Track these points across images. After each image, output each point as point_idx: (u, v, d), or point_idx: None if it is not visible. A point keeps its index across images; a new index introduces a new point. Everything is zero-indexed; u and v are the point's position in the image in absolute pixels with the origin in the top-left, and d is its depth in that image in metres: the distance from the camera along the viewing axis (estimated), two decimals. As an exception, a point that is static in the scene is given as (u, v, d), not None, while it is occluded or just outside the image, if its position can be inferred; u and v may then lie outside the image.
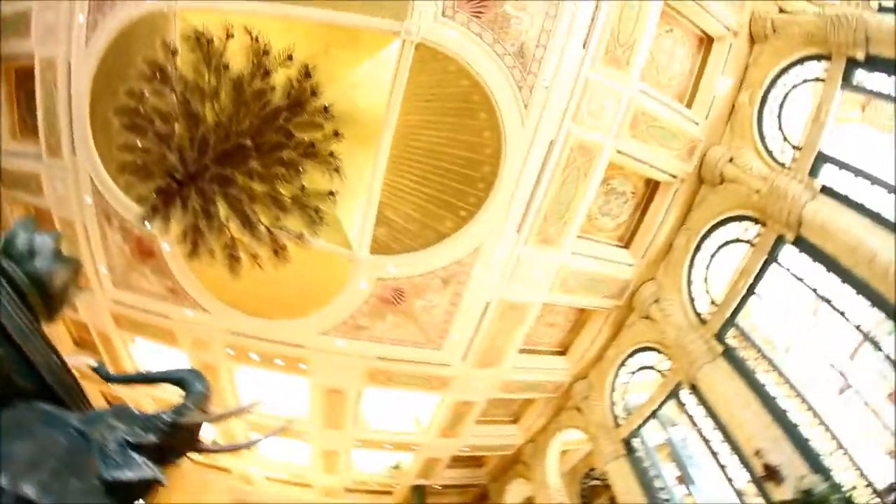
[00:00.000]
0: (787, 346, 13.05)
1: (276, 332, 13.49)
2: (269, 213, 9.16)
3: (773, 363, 11.99)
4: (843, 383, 11.56)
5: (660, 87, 11.91)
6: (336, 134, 9.02)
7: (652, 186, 13.33)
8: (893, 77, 9.33)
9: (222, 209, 9.04)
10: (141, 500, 3.50)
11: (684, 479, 16.10)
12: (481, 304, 13.49)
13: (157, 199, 8.85)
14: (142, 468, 3.36)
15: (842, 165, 10.36)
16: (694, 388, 13.00)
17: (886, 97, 9.73)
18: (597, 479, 21.55)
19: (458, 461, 21.67)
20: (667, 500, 14.62)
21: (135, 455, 3.38)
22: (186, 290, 12.54)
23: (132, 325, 14.15)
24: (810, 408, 11.19)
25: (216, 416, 4.37)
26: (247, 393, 16.49)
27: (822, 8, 10.14)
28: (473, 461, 22.64)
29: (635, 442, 15.56)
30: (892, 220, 9.35)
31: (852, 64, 9.85)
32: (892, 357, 9.97)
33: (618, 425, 15.91)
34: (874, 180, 9.84)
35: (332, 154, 8.99)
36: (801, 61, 10.88)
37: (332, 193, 9.18)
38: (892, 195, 9.52)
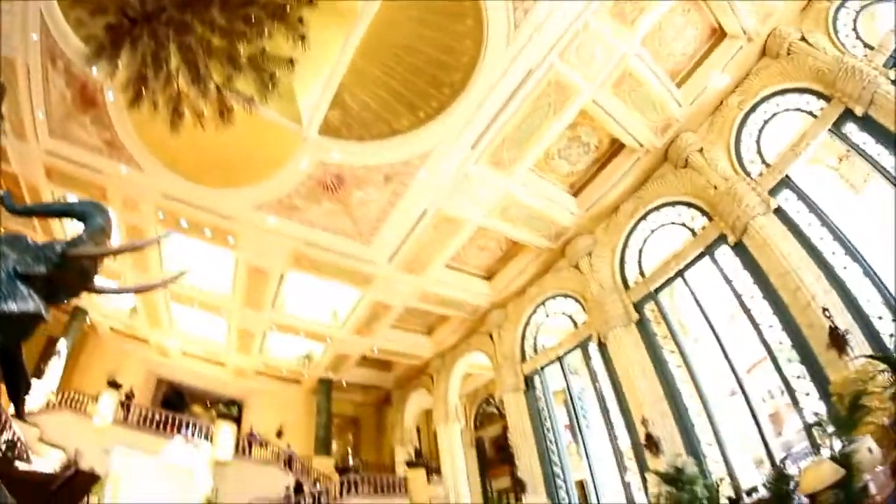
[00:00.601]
0: (696, 337, 13.55)
1: (210, 201, 12.93)
2: (222, 70, 8.48)
3: (680, 346, 12.44)
4: (734, 388, 12.19)
5: (656, 58, 11.52)
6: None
7: (616, 147, 13.09)
8: (880, 145, 9.39)
9: (174, 58, 8.33)
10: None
11: (572, 428, 16.97)
12: (419, 209, 13.26)
13: (106, 36, 8.06)
14: (27, 300, 3.15)
15: (801, 197, 10.50)
16: (602, 346, 13.45)
17: (866, 156, 9.73)
18: (493, 407, 22.63)
19: (367, 362, 22.13)
20: (553, 442, 15.40)
21: (22, 286, 3.19)
22: (125, 144, 11.67)
23: (64, 179, 13.20)
24: (701, 397, 11.77)
25: (111, 249, 4.07)
26: (173, 262, 16.05)
27: (842, 54, 9.99)
28: (382, 365, 23.19)
29: (536, 380, 16.18)
30: (827, 264, 9.68)
31: (848, 115, 9.84)
32: (783, 384, 10.44)
33: (523, 360, 16.48)
34: (825, 223, 10.06)
35: (300, 20, 8.32)
36: (801, 91, 10.73)
37: (291, 61, 8.55)
38: (836, 243, 9.78)
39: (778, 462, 7.49)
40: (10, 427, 14.58)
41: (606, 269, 13.74)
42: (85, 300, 19.13)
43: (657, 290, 12.89)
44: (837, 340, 8.82)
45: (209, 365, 22.93)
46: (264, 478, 18.77)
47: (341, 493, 18.22)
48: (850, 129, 9.91)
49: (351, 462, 20.89)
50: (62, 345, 19.22)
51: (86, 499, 8.49)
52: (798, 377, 10.06)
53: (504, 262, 16.42)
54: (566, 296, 15.36)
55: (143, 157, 11.89)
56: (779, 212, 10.54)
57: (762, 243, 10.31)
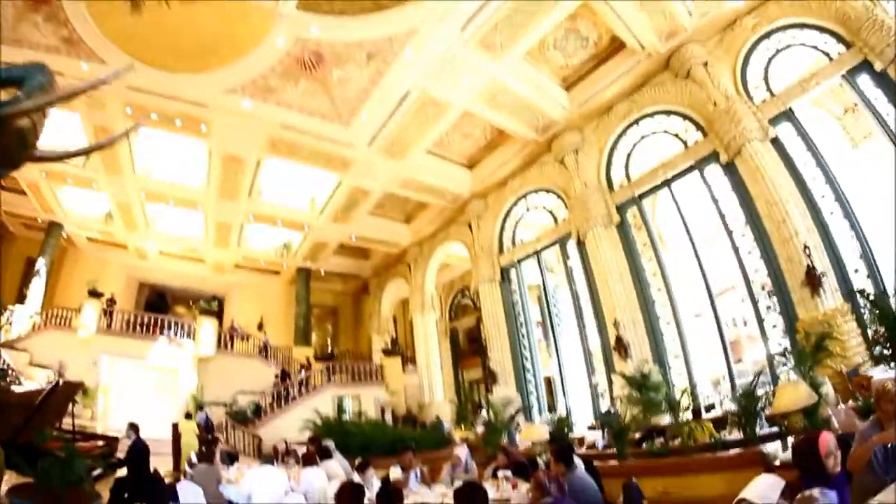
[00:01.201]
0: (675, 249, 13.60)
1: (179, 88, 12.00)
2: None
3: (658, 256, 12.55)
4: (702, 309, 12.38)
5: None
6: None
7: (616, 46, 12.21)
8: (890, 105, 8.89)
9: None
10: None
11: (544, 325, 17.38)
12: (401, 90, 12.51)
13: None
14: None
15: (801, 133, 10.12)
16: (581, 244, 13.47)
17: (875, 112, 9.26)
18: (468, 299, 23.03)
19: (345, 250, 22.16)
20: (525, 337, 15.83)
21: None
22: (83, 38, 10.55)
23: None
24: (673, 309, 12.03)
25: (49, 99, 3.64)
26: (145, 160, 15.40)
27: (874, 5, 9.10)
28: (360, 253, 23.26)
29: (512, 273, 16.36)
30: (815, 206, 9.57)
31: (865, 66, 9.22)
32: (754, 312, 10.59)
33: (501, 252, 16.54)
34: (821, 165, 9.80)
35: None
36: (822, 30, 9.92)
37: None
38: (827, 187, 9.62)
39: (749, 383, 7.72)
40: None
41: (592, 168, 13.45)
42: (59, 213, 18.80)
43: (641, 196, 12.76)
44: (813, 280, 8.95)
45: (188, 263, 22.91)
46: (247, 370, 19.37)
47: (320, 381, 18.74)
48: (865, 81, 9.38)
49: (330, 351, 21.36)
50: (41, 264, 18.99)
51: (70, 406, 8.57)
52: (768, 308, 10.29)
53: (488, 151, 15.91)
54: (549, 191, 15.12)
55: (105, 49, 10.83)
56: (776, 142, 10.22)
57: (754, 168, 10.06)
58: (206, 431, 15.19)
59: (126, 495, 7.31)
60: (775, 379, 9.01)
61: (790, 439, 5.40)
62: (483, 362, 20.47)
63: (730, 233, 10.99)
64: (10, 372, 13.26)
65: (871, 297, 7.65)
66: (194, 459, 8.18)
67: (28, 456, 3.25)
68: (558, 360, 15.32)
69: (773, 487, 3.44)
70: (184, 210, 18.21)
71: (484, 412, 14.20)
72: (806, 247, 9.12)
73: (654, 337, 11.91)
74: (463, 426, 15.84)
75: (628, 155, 13.18)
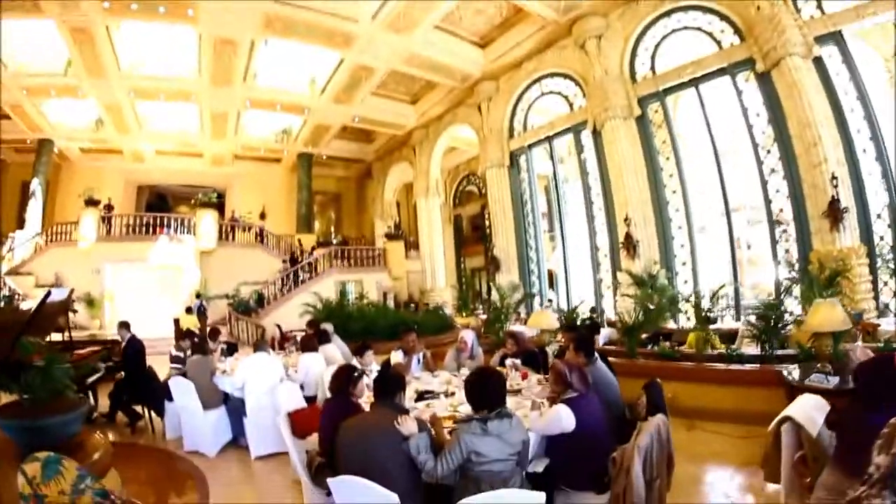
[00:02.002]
0: (694, 150, 12.96)
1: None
2: None
3: (677, 156, 11.93)
4: (707, 223, 12.00)
5: None
6: None
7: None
8: None
9: None
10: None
11: (550, 216, 17.15)
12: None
13: None
14: None
15: (847, 61, 9.23)
16: (596, 134, 12.84)
17: None
18: (474, 185, 22.71)
19: (347, 133, 21.39)
20: (531, 225, 15.69)
21: None
22: None
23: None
24: (687, 214, 11.67)
25: None
26: (128, 57, 14.26)
27: None
28: (363, 136, 22.38)
29: (522, 159, 15.87)
30: (849, 139, 8.97)
31: None
32: (769, 231, 10.30)
33: (511, 136, 15.95)
34: (862, 98, 9.04)
35: None
36: None
37: None
38: (865, 123, 8.98)
39: (777, 294, 7.61)
40: (4, 285, 14.80)
41: (615, 56, 12.45)
42: (47, 129, 18.03)
43: (666, 92, 11.93)
44: (836, 212, 8.58)
45: (186, 159, 22.26)
46: (250, 261, 19.52)
47: (323, 268, 18.90)
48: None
49: (333, 238, 21.37)
50: (35, 185, 18.47)
51: (68, 316, 8.60)
52: (783, 231, 10.03)
53: (502, 29, 14.57)
54: (566, 76, 14.15)
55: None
56: (818, 62, 9.31)
57: (791, 84, 9.25)
58: (201, 315, 15.58)
59: (125, 397, 7.40)
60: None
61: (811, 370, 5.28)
62: (486, 250, 20.71)
63: (755, 146, 10.41)
64: (16, 297, 13.36)
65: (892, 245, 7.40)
66: (174, 352, 7.91)
67: (14, 373, 3.14)
68: (563, 252, 15.17)
69: (819, 410, 3.36)
70: (176, 104, 17.25)
71: (494, 293, 13.76)
72: (834, 177, 8.66)
73: (665, 239, 11.73)
74: (464, 313, 16.12)
75: (656, 47, 12.12)
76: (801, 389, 4.82)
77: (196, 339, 7.84)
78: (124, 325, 8.15)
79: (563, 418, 3.45)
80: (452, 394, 5.16)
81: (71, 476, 2.36)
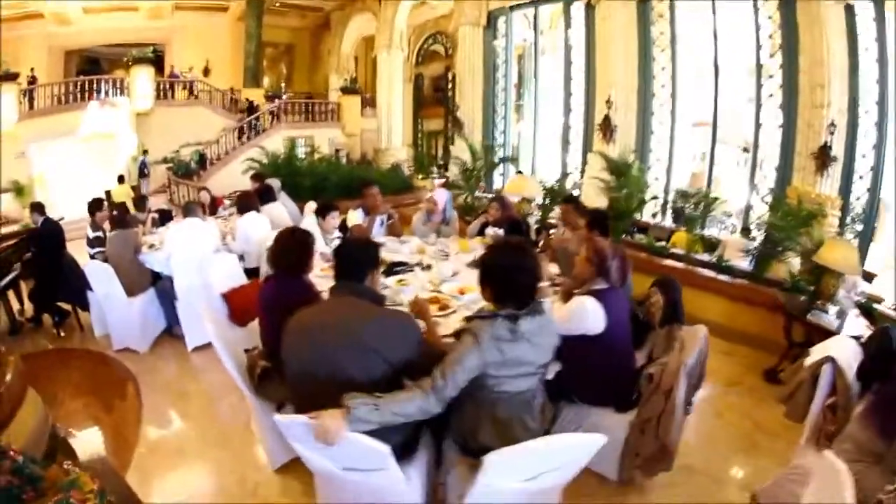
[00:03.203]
0: (694, 44, 11.97)
1: None
2: None
3: (674, 47, 10.89)
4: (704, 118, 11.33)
5: None
6: None
7: None
8: None
9: None
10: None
11: (520, 85, 16.18)
12: None
13: None
14: None
15: (878, 18, 8.28)
16: (590, 8, 11.63)
17: None
18: (440, 45, 21.28)
19: (305, -22, 19.30)
20: (503, 90, 14.72)
21: None
22: None
23: None
24: (672, 111, 10.99)
25: None
26: None
27: None
28: (323, -18, 20.30)
29: (500, 21, 14.56)
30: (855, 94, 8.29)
31: None
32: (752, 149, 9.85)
33: None
34: (882, 60, 8.27)
35: None
36: None
37: None
38: (877, 86, 8.27)
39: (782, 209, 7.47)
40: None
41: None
42: None
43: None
44: (825, 158, 8.12)
45: (120, 15, 19.62)
46: (193, 120, 18.10)
47: (271, 122, 18.00)
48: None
49: (283, 92, 20.11)
50: None
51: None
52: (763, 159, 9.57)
53: None
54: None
55: None
56: (849, 10, 8.29)
57: (815, 19, 8.34)
58: (142, 177, 14.70)
59: (47, 293, 6.39)
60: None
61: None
62: (446, 113, 19.88)
63: (759, 66, 9.58)
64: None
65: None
66: (90, 233, 6.46)
67: None
68: (534, 125, 14.52)
69: (856, 356, 3.08)
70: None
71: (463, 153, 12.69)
72: (833, 124, 8.13)
73: (644, 132, 11.10)
74: (420, 175, 15.49)
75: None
76: (805, 324, 4.81)
77: (114, 212, 6.54)
78: (36, 208, 6.89)
79: (591, 315, 2.79)
80: (428, 267, 4.49)
81: None
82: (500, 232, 5.21)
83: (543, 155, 14.29)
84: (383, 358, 2.16)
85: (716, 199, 8.52)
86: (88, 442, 3.35)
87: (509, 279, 2.29)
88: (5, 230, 9.32)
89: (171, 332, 5.77)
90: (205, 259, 5.18)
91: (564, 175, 10.30)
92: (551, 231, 6.27)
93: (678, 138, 11.32)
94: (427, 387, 2.08)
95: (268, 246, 4.68)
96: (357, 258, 2.51)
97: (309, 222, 6.00)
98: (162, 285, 5.65)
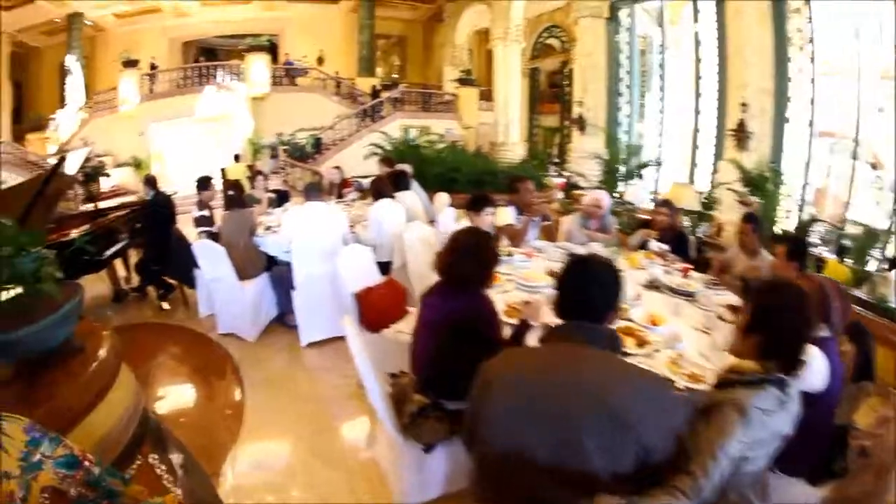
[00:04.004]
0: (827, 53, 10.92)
1: None
2: None
3: (814, 49, 9.73)
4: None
5: None
6: None
7: None
8: None
9: None
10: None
11: (643, 86, 15.42)
12: None
13: None
14: None
15: None
16: (720, 1, 11.05)
17: None
18: (556, 38, 20.82)
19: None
20: (628, 88, 14.14)
21: None
22: None
23: None
24: (812, 120, 9.86)
25: None
26: None
27: None
28: (435, -25, 20.36)
29: (624, 12, 13.91)
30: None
31: None
32: None
33: None
34: None
35: None
36: None
37: None
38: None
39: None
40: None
41: None
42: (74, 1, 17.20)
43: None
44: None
45: (234, 7, 20.91)
46: (307, 106, 18.58)
47: (389, 110, 18.20)
48: None
49: (399, 82, 20.34)
50: (70, 61, 18.15)
51: (98, 183, 8.51)
52: None
53: None
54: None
55: None
56: None
57: None
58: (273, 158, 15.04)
59: (154, 267, 6.39)
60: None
61: None
62: (562, 110, 19.53)
63: None
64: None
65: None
66: (196, 212, 6.28)
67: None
68: (661, 126, 13.63)
69: None
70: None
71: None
72: None
73: (779, 140, 10.24)
74: (540, 172, 14.77)
75: None
76: None
77: (230, 191, 6.10)
78: (148, 181, 6.80)
79: (815, 369, 2.20)
80: None
81: (18, 446, 1.41)
82: (665, 246, 4.73)
83: (667, 159, 13.54)
84: (636, 439, 1.50)
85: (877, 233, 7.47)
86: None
87: (793, 331, 1.85)
88: (121, 200, 10.06)
89: (284, 321, 5.44)
90: (329, 247, 4.84)
91: (714, 186, 9.51)
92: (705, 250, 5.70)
93: (800, 148, 10.42)
94: (686, 486, 1.56)
95: (406, 239, 4.75)
96: (598, 289, 1.80)
97: (448, 215, 5.85)
98: (278, 271, 5.35)
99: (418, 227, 5.04)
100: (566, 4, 15.49)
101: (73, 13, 18.20)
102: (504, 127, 19.04)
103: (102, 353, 2.12)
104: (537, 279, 3.72)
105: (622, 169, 11.03)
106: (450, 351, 2.17)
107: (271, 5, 21.30)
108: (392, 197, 5.70)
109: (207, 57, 22.60)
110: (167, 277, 6.40)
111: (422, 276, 4.37)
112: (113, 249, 6.18)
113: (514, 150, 18.28)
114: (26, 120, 19.16)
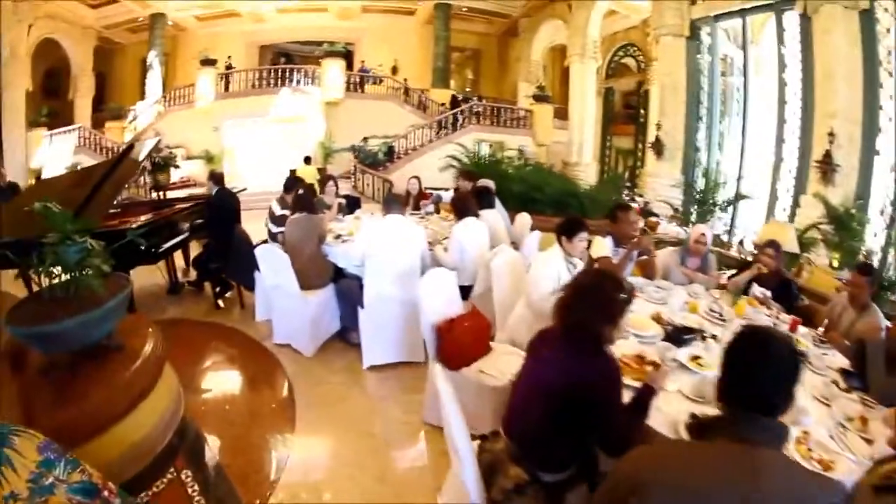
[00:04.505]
0: None
1: None
2: None
3: None
4: None
5: None
6: None
7: None
8: None
9: None
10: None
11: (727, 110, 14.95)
12: None
13: None
14: None
15: None
16: (805, 19, 10.45)
17: None
18: (631, 57, 20.59)
19: (492, -17, 19.44)
20: (708, 112, 13.63)
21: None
22: None
23: None
24: None
25: None
26: None
27: None
28: (510, -14, 20.42)
29: (704, 31, 13.47)
30: None
31: None
32: None
33: (693, 2, 13.42)
34: None
35: None
36: None
37: None
38: None
39: None
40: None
41: None
42: (158, 3, 18.46)
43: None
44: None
45: (311, 14, 21.70)
46: (380, 113, 18.97)
47: (462, 123, 18.30)
48: None
49: (473, 95, 20.47)
50: (151, 56, 19.45)
51: (168, 173, 8.67)
52: None
53: None
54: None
55: None
56: None
57: None
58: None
59: (213, 264, 6.22)
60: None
61: None
62: (636, 132, 19.25)
63: None
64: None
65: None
66: (278, 210, 6.05)
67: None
68: (742, 151, 12.99)
69: None
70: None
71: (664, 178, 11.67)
72: None
73: (866, 174, 9.68)
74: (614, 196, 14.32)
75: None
76: None
77: (300, 191, 5.61)
78: (212, 177, 6.68)
79: None
80: (713, 336, 3.25)
81: (28, 466, 1.34)
82: (768, 292, 4.29)
83: (750, 185, 12.73)
84: None
85: None
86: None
87: None
88: (190, 192, 10.56)
89: (345, 337, 5.13)
90: (406, 267, 4.52)
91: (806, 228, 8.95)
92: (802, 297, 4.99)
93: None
94: None
95: (493, 267, 4.28)
96: (779, 376, 1.49)
97: (533, 239, 5.55)
98: (346, 285, 4.99)
99: (507, 252, 4.60)
100: (642, 22, 15.18)
101: (156, 13, 19.47)
102: (578, 146, 18.83)
103: (146, 350, 2.04)
104: (647, 327, 3.32)
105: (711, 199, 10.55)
106: (562, 419, 1.94)
107: (347, 14, 21.83)
108: (477, 215, 5.21)
109: (284, 61, 23.45)
110: (225, 277, 6.30)
111: (507, 305, 4.15)
112: (171, 242, 6.06)
113: (586, 170, 18.11)
114: (107, 109, 20.51)
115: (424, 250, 4.80)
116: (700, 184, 11.21)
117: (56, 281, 1.96)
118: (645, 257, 4.71)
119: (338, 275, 5.16)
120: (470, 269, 4.87)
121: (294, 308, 4.85)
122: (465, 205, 5.23)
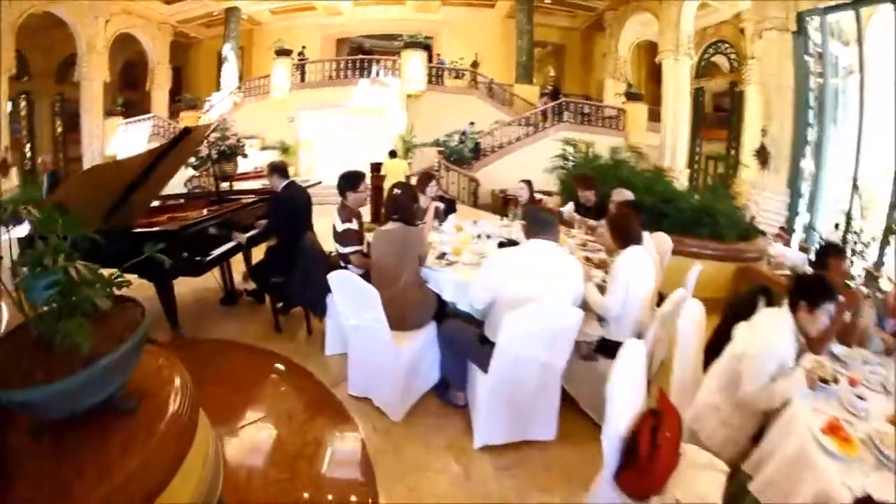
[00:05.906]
0: None
1: None
2: None
3: None
4: None
5: None
6: None
7: None
8: None
9: None
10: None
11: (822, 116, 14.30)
12: None
13: None
14: None
15: None
16: None
17: None
18: (723, 55, 20.22)
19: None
20: (819, 115, 12.72)
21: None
22: None
23: None
24: None
25: None
26: None
27: None
28: (595, -22, 20.13)
29: (812, 24, 12.54)
30: None
31: None
32: None
33: None
34: None
35: None
36: None
37: None
38: None
39: None
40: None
41: None
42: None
43: None
44: None
45: (388, 7, 22.10)
46: (463, 108, 18.92)
47: (552, 120, 18.09)
48: None
49: (560, 92, 20.22)
50: (226, 49, 20.76)
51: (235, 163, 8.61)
52: None
53: None
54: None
55: None
56: None
57: None
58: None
59: (274, 279, 5.10)
60: None
61: None
62: (729, 137, 18.83)
63: None
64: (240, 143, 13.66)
65: None
66: (340, 224, 4.44)
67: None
68: (857, 156, 12.10)
69: None
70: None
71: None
72: None
73: None
74: None
75: None
76: None
77: (395, 191, 4.22)
78: (276, 169, 5.44)
79: None
80: None
81: None
82: None
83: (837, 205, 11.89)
84: None
85: None
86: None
87: None
88: (263, 183, 10.63)
89: (444, 394, 3.89)
90: (560, 318, 3.14)
91: None
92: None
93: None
94: None
95: (677, 321, 3.12)
96: None
97: (692, 278, 4.25)
98: (453, 329, 3.73)
99: (694, 306, 3.31)
100: (735, 16, 14.75)
101: (231, 7, 20.61)
102: (671, 150, 17.85)
103: (171, 410, 1.47)
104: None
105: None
106: None
107: (425, 6, 22.06)
108: (639, 242, 3.77)
109: (361, 54, 23.95)
110: (289, 298, 5.25)
111: (689, 383, 3.15)
112: (222, 249, 5.24)
113: (679, 177, 17.46)
114: (183, 100, 21.79)
115: (579, 294, 3.45)
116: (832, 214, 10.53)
117: (44, 310, 1.39)
118: (847, 317, 3.39)
119: (440, 311, 4.01)
120: (631, 321, 3.62)
121: (378, 357, 3.61)
122: (629, 228, 3.79)
